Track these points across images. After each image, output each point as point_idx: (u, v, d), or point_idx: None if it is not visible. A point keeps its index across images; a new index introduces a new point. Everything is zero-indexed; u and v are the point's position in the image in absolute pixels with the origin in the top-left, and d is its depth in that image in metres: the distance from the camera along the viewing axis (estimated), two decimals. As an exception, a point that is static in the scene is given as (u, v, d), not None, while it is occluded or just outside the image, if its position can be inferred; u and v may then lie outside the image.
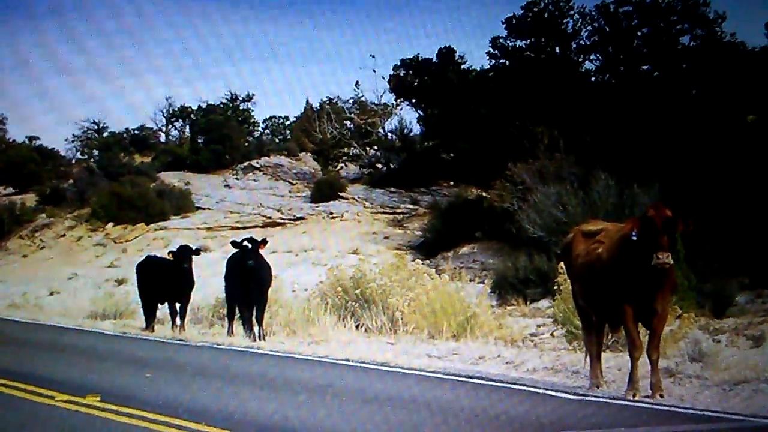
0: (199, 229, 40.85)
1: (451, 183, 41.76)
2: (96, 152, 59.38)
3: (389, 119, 49.10)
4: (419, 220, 38.14)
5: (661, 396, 9.96)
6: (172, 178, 49.47)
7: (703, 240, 19.15)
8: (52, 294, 31.30)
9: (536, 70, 38.13)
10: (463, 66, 45.18)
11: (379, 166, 46.75)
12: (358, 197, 42.53)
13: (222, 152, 53.22)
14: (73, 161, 59.87)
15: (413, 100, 46.58)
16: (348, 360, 13.54)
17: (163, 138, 63.31)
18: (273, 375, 12.40)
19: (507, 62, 41.29)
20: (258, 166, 50.93)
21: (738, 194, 25.31)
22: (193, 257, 18.44)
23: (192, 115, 60.70)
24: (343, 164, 48.84)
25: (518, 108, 35.56)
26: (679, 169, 26.93)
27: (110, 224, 42.41)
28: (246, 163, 51.60)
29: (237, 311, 17.36)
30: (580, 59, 40.44)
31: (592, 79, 39.65)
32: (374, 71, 48.88)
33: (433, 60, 45.52)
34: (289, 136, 60.04)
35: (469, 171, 38.41)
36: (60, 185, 49.98)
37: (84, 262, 38.44)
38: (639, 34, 38.15)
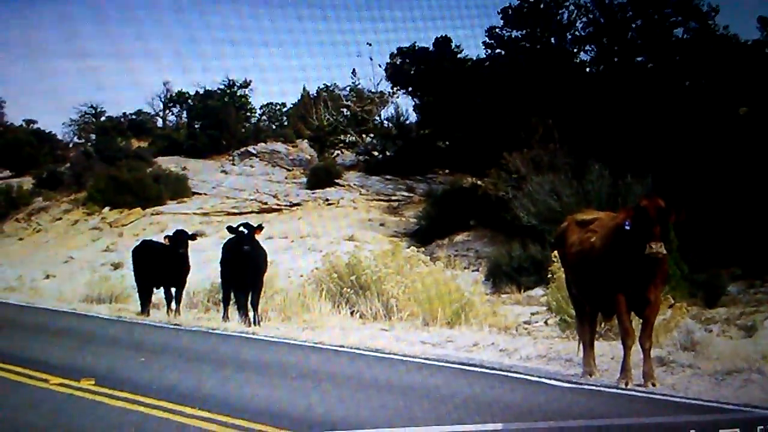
0: (195, 214, 40.76)
1: (447, 171, 41.66)
2: (93, 136, 59.09)
3: (385, 107, 48.90)
4: (414, 207, 38.05)
5: (654, 385, 10.04)
6: (168, 163, 49.26)
7: (696, 230, 19.28)
8: (47, 277, 31.18)
9: (531, 61, 38.13)
10: (459, 55, 45.10)
11: (375, 153, 46.64)
12: (354, 184, 42.46)
13: (219, 138, 53.00)
14: (71, 145, 59.50)
15: (409, 89, 46.43)
16: (342, 346, 13.59)
17: (160, 123, 63.07)
18: (267, 360, 12.45)
19: (503, 52, 41.25)
20: (255, 152, 50.71)
21: (730, 185, 25.38)
22: (189, 242, 18.49)
23: (189, 101, 60.44)
24: (339, 151, 48.68)
25: (513, 97, 35.53)
26: (672, 160, 26.99)
27: (106, 208, 42.25)
28: (243, 149, 51.32)
29: (232, 296, 17.42)
30: (575, 50, 40.40)
31: (587, 69, 39.64)
32: (371, 59, 48.64)
33: (430, 49, 45.43)
34: (286, 123, 59.72)
35: (465, 159, 38.35)
36: (57, 169, 49.64)
37: (80, 245, 38.29)
38: (633, 26, 38.11)
